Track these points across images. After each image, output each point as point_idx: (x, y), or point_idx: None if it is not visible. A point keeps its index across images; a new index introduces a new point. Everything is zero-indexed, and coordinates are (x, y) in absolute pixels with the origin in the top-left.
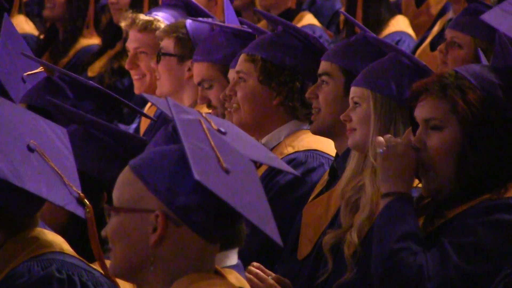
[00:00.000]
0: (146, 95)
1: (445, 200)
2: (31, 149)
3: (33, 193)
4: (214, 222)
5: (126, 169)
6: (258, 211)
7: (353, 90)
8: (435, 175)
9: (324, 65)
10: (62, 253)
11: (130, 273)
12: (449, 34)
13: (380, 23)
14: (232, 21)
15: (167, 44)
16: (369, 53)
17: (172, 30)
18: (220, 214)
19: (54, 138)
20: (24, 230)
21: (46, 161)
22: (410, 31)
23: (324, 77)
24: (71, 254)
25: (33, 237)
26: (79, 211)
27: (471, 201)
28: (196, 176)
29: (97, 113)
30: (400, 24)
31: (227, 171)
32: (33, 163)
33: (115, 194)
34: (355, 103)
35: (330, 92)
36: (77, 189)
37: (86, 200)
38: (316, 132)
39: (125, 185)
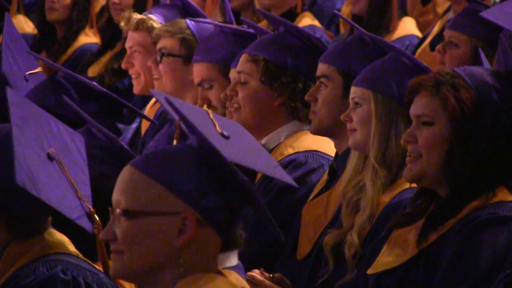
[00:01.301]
0: (154, 92)
1: (438, 207)
2: (50, 158)
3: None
4: (233, 221)
5: (131, 172)
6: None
7: (354, 90)
8: (422, 162)
9: (321, 68)
10: (67, 254)
11: (145, 275)
12: (447, 34)
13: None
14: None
15: (171, 44)
16: (366, 54)
17: (177, 31)
18: (238, 212)
19: (72, 147)
20: (33, 236)
21: (63, 171)
22: (417, 33)
23: (322, 80)
24: (76, 255)
25: (39, 237)
26: (88, 226)
27: (462, 210)
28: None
29: (100, 115)
30: (408, 26)
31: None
32: (50, 172)
33: (122, 198)
34: (356, 103)
35: (328, 94)
36: (88, 204)
37: (96, 216)
38: (315, 133)
39: (137, 188)
